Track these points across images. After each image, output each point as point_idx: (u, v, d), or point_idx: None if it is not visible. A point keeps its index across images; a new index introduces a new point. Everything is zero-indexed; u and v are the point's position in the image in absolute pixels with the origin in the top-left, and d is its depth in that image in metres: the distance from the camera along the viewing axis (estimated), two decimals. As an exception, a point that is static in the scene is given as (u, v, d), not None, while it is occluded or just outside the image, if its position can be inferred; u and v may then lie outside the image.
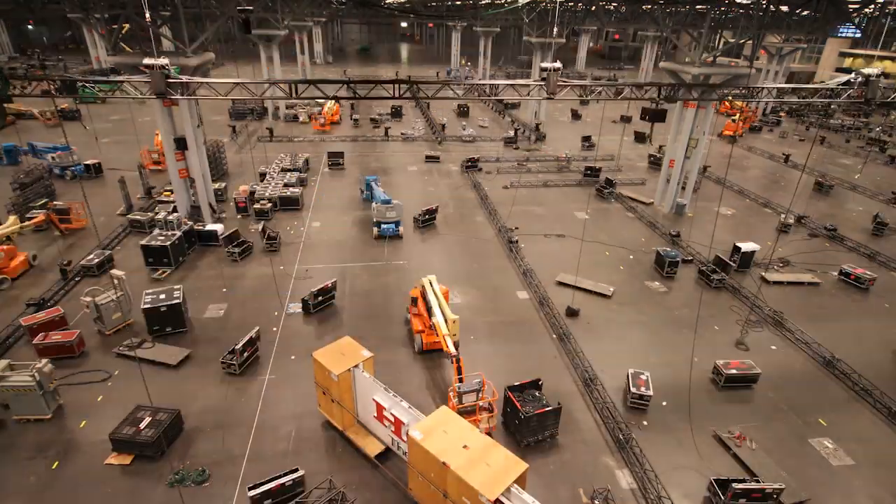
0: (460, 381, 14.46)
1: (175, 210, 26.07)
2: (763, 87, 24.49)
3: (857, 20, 31.46)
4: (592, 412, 15.63)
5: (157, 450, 13.28)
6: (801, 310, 21.31)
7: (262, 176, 32.17)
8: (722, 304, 21.54)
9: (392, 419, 12.82)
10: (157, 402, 14.27)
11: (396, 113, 52.24)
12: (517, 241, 25.70)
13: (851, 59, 72.05)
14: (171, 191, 27.12)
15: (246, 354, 16.66)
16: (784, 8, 28.29)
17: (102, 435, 13.74)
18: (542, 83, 18.85)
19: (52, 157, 31.69)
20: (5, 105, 19.55)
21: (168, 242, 22.08)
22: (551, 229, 27.86)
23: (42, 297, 19.61)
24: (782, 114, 59.44)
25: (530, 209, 30.41)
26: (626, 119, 48.81)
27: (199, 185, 26.03)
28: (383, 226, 26.12)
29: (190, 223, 24.38)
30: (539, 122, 48.01)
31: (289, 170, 33.28)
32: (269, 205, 27.72)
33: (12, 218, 24.28)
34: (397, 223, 26.33)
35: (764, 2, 26.53)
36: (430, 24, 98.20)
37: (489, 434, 13.60)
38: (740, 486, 12.29)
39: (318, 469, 13.28)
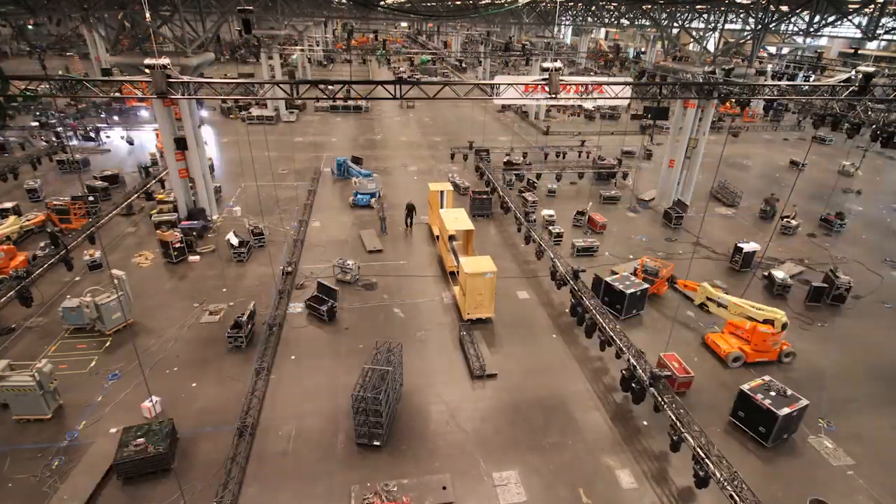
0: None
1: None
2: (765, 85, 24.51)
3: (857, 20, 31.43)
4: (592, 412, 15.63)
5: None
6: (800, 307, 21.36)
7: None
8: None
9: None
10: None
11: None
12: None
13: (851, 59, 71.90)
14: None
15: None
16: (784, 8, 28.28)
17: (102, 435, 13.82)
18: (544, 83, 18.79)
19: None
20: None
21: None
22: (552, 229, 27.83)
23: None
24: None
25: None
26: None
27: (199, 185, 26.05)
28: (359, 195, 29.82)
29: None
30: (548, 125, 47.93)
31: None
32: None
33: (12, 218, 24.29)
34: (373, 194, 30.06)
35: (763, 1, 26.55)
36: (430, 24, 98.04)
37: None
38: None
39: (316, 470, 13.30)
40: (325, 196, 31.40)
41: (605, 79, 28.90)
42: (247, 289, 21.31)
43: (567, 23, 68.59)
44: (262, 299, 20.40)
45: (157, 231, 24.17)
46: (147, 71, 16.17)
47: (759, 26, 26.70)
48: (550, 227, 26.33)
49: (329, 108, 53.89)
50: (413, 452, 13.96)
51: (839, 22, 27.35)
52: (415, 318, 19.85)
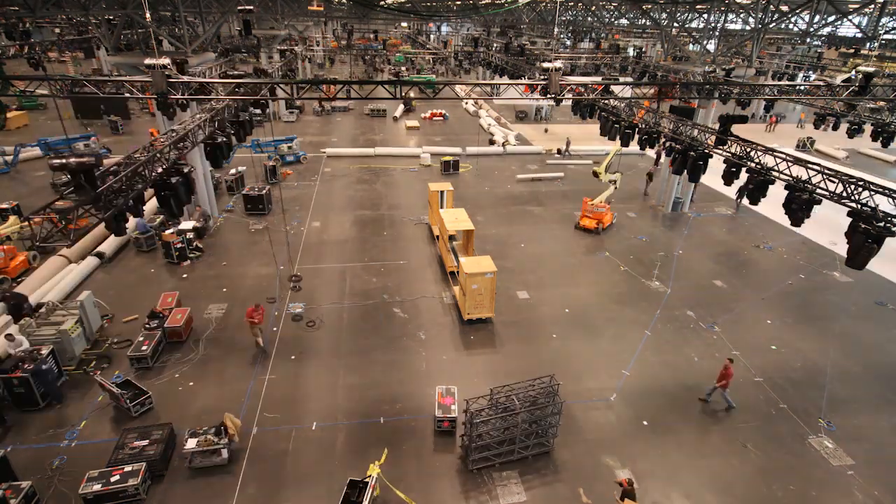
0: None
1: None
2: (765, 85, 24.53)
3: (856, 20, 31.49)
4: (592, 411, 15.63)
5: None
6: (801, 308, 21.38)
7: None
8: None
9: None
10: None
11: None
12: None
13: (851, 59, 71.92)
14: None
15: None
16: (784, 8, 28.31)
17: (102, 435, 13.87)
18: (544, 83, 18.76)
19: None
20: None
21: None
22: (550, 230, 27.88)
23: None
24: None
25: (529, 209, 30.45)
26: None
27: (199, 185, 26.02)
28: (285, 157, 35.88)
29: None
30: (546, 127, 47.90)
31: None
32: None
33: (13, 218, 24.30)
34: (290, 146, 36.20)
35: (763, 1, 26.57)
36: (430, 24, 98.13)
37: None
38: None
39: (317, 470, 13.31)
40: (325, 197, 31.40)
41: (601, 80, 28.89)
42: (248, 288, 21.34)
43: (566, 20, 68.65)
44: (261, 300, 20.43)
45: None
46: (147, 71, 16.16)
47: (759, 26, 26.71)
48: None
49: (330, 109, 53.88)
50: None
51: (839, 22, 27.36)
52: (415, 318, 19.86)
